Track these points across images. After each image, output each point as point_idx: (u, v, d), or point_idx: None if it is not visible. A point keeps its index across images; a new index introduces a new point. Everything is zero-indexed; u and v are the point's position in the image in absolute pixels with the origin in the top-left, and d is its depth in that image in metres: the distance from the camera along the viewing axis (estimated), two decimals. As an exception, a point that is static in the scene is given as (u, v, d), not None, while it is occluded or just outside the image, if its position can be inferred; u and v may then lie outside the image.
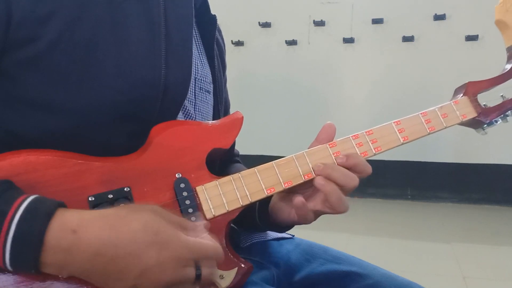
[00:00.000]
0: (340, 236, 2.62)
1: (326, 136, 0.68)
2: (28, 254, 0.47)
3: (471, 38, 3.13)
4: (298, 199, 0.64)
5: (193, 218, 0.60)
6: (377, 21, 3.31)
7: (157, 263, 0.48)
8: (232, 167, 0.81)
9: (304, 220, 0.66)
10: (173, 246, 0.49)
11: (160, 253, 0.48)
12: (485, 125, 0.76)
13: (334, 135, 0.69)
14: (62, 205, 0.50)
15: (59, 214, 0.48)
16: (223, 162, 0.80)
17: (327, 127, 0.69)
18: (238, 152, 0.90)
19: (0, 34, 0.55)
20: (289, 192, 0.68)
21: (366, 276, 0.74)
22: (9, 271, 0.49)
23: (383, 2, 3.31)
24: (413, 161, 3.35)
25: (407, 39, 3.26)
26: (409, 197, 3.42)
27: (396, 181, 3.43)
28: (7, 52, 0.56)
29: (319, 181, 0.63)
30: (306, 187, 0.67)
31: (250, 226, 0.76)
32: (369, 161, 0.67)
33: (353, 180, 0.64)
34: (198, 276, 0.50)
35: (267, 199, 0.70)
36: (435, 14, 3.19)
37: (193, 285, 0.51)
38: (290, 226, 0.72)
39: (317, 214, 0.66)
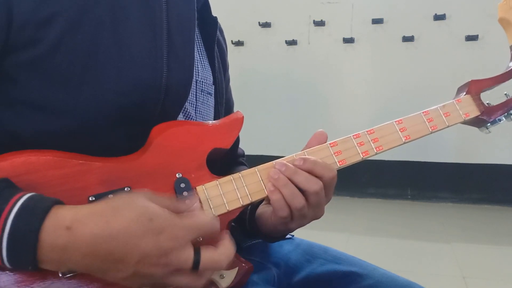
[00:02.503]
0: (340, 236, 2.62)
1: (317, 144, 0.68)
2: (24, 251, 0.47)
3: (471, 38, 3.13)
4: (269, 185, 0.63)
5: (185, 193, 0.60)
6: (377, 21, 3.31)
7: (155, 247, 0.48)
8: (235, 169, 0.81)
9: (281, 216, 0.63)
10: (168, 229, 0.49)
11: (157, 238, 0.48)
12: (489, 124, 0.75)
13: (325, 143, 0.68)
14: (59, 202, 0.50)
15: (54, 211, 0.48)
16: (227, 162, 0.80)
17: (318, 135, 0.68)
18: (243, 152, 0.90)
19: (1, 36, 0.55)
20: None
21: (366, 276, 0.74)
22: (7, 269, 0.49)
23: (383, 2, 3.31)
24: (413, 161, 3.35)
25: (407, 39, 3.26)
26: (409, 197, 3.42)
27: (396, 181, 3.43)
28: (9, 54, 0.56)
29: (272, 174, 0.63)
30: None
31: (244, 233, 0.76)
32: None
33: (315, 184, 0.62)
34: (196, 262, 0.51)
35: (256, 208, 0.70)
36: (435, 14, 3.19)
37: (194, 273, 0.51)
38: (279, 237, 0.72)
39: (293, 218, 0.64)
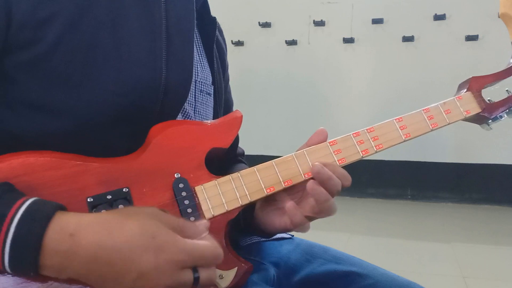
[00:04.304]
0: (340, 236, 2.62)
1: (317, 142, 0.67)
2: (26, 257, 0.47)
3: (471, 38, 3.13)
4: (290, 203, 0.62)
5: (192, 218, 0.59)
6: (377, 21, 3.31)
7: (154, 267, 0.47)
8: (235, 167, 0.81)
9: (298, 224, 0.64)
10: (170, 249, 0.48)
11: (157, 257, 0.48)
12: (490, 121, 0.74)
13: (326, 141, 0.68)
14: (62, 207, 0.50)
15: (58, 217, 0.48)
16: (226, 161, 0.80)
17: (319, 133, 0.68)
18: (243, 151, 0.90)
19: (1, 36, 0.54)
20: (273, 200, 0.67)
21: (366, 276, 0.74)
22: (8, 273, 0.49)
23: (383, 2, 3.31)
24: (413, 161, 3.35)
25: (407, 39, 3.26)
26: (409, 197, 3.42)
27: (396, 181, 3.43)
28: (7, 54, 0.56)
29: (312, 186, 0.62)
30: (293, 193, 0.67)
31: (237, 229, 0.76)
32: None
33: (338, 184, 0.63)
34: (196, 280, 0.50)
35: (251, 206, 0.69)
36: (435, 14, 3.19)
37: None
38: (275, 233, 0.71)
39: (309, 219, 0.65)
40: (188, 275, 0.49)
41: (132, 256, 0.47)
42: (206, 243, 0.51)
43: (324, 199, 0.62)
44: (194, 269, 0.50)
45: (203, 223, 0.54)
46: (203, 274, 0.50)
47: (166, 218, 0.51)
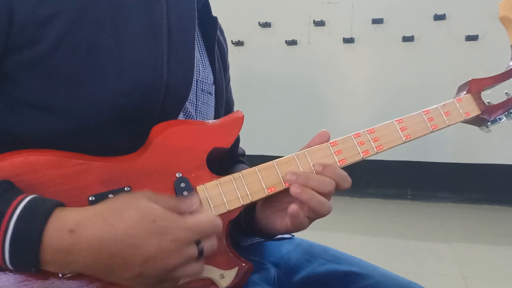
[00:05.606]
0: (340, 236, 2.62)
1: (319, 143, 0.67)
2: (27, 253, 0.47)
3: (471, 38, 3.13)
4: (293, 207, 0.62)
5: (185, 193, 0.60)
6: (377, 21, 3.31)
7: (160, 249, 0.49)
8: (235, 167, 0.81)
9: (299, 227, 0.65)
10: (172, 230, 0.50)
11: (161, 240, 0.49)
12: (489, 123, 0.75)
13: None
14: (61, 204, 0.51)
15: (57, 214, 0.48)
16: (227, 161, 0.80)
17: (321, 134, 0.68)
18: (244, 151, 0.90)
19: (2, 36, 0.55)
20: (274, 201, 0.67)
21: (366, 276, 0.74)
22: (10, 270, 0.49)
23: (383, 2, 3.31)
24: (413, 161, 3.35)
25: (407, 39, 3.26)
26: (409, 197, 3.42)
27: (396, 181, 3.43)
28: (9, 54, 0.56)
29: (295, 190, 0.62)
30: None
31: (239, 231, 0.76)
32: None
33: (329, 184, 0.63)
34: (200, 252, 0.52)
35: (252, 207, 0.70)
36: (435, 14, 3.19)
37: (197, 262, 0.52)
38: (276, 234, 0.71)
39: (310, 220, 0.65)
40: (193, 250, 0.51)
41: (136, 242, 0.48)
42: (204, 216, 0.53)
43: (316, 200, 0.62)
44: (197, 242, 0.52)
45: (196, 198, 0.56)
46: (206, 245, 0.52)
47: (161, 199, 0.53)
